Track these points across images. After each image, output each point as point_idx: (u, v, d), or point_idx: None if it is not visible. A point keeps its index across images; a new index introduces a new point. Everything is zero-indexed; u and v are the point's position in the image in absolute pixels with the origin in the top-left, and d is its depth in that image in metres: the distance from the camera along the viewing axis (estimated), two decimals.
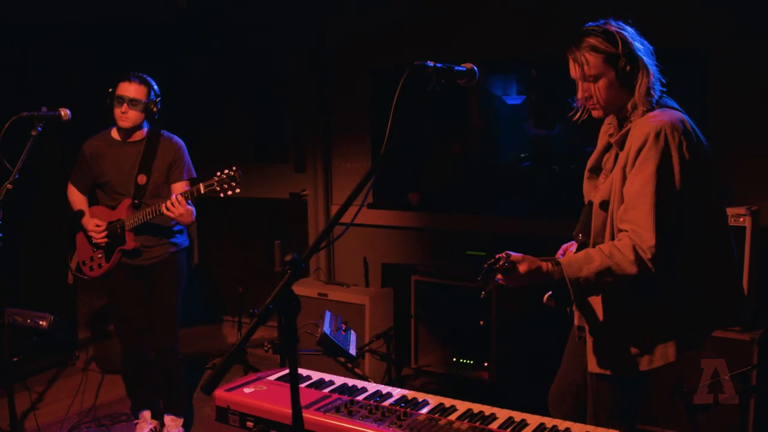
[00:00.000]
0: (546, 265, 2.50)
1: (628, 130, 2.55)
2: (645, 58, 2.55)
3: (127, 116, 4.03)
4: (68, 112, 3.60)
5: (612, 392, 2.72)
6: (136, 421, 4.54)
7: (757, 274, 4.04)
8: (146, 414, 4.51)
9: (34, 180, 5.47)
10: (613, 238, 2.56)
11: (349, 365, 4.77)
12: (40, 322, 3.46)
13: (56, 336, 3.46)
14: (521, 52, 5.25)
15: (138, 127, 4.15)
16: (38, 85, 5.57)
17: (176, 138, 4.28)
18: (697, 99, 4.72)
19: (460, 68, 2.37)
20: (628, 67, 2.52)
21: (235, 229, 6.86)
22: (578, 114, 2.77)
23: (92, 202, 4.35)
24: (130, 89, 4.01)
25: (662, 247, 2.39)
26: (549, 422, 2.36)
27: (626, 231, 2.45)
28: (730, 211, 4.02)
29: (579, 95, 2.66)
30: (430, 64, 2.28)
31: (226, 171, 3.77)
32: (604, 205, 2.59)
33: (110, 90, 4.05)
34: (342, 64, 6.15)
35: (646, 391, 2.85)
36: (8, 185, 3.28)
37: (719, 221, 2.63)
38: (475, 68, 2.40)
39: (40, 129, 3.47)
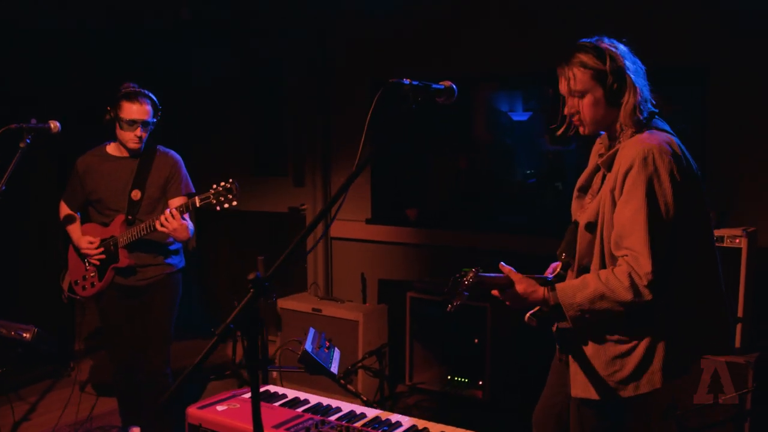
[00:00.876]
0: (543, 291, 2.50)
1: (616, 152, 2.51)
2: (634, 76, 2.50)
3: (142, 139, 3.99)
4: (57, 124, 3.59)
5: (595, 417, 2.67)
6: None
7: (752, 296, 3.98)
8: (135, 431, 4.42)
9: (25, 190, 5.52)
10: (602, 260, 2.52)
11: (342, 381, 4.72)
12: (24, 335, 3.44)
13: (40, 348, 3.44)
14: (529, 67, 5.22)
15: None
16: (38, 94, 5.59)
17: (173, 153, 4.20)
18: (696, 118, 4.69)
19: (438, 86, 2.34)
20: (615, 85, 2.48)
21: (233, 242, 6.85)
22: (562, 129, 2.71)
23: (84, 220, 4.27)
24: (142, 112, 3.93)
25: (659, 273, 2.36)
26: None
27: (626, 257, 2.41)
28: (726, 232, 4.00)
29: (566, 110, 2.62)
30: (406, 81, 2.26)
31: (223, 183, 3.68)
32: (590, 226, 2.55)
33: (109, 108, 3.95)
34: (343, 76, 6.14)
35: (637, 415, 2.81)
36: None
37: (708, 245, 2.58)
38: (454, 86, 2.37)
39: (29, 141, 3.46)
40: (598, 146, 2.80)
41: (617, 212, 2.44)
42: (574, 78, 2.51)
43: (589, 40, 2.56)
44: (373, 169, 6.10)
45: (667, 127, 2.59)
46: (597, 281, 2.40)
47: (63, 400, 5.11)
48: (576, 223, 2.67)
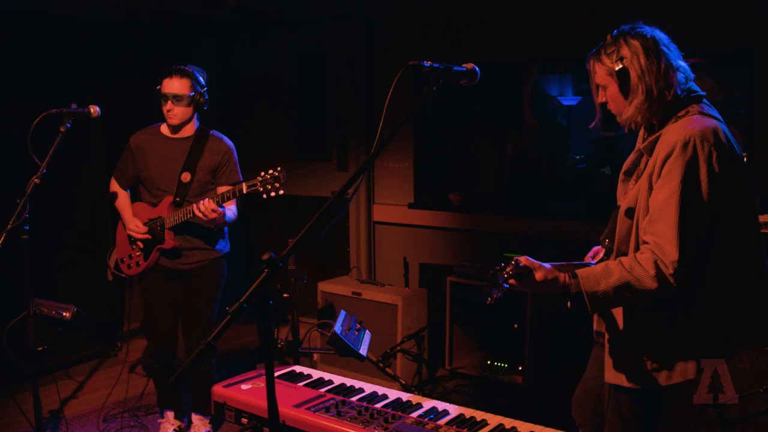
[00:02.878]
0: (564, 277, 2.45)
1: (659, 137, 2.47)
2: (646, 74, 2.46)
3: (173, 113, 4.00)
4: (97, 109, 3.65)
5: (629, 404, 2.64)
6: (160, 420, 4.54)
7: None
8: (169, 414, 4.49)
9: (75, 170, 5.65)
10: (637, 247, 2.48)
11: (381, 365, 4.75)
12: (64, 314, 3.54)
13: (79, 327, 3.54)
14: (578, 50, 5.13)
15: (187, 122, 4.10)
16: (88, 84, 5.69)
17: (226, 139, 4.20)
18: (744, 102, 4.58)
19: (460, 68, 2.33)
20: (623, 84, 2.49)
21: (276, 226, 6.90)
22: (595, 121, 2.72)
23: (134, 198, 4.31)
24: (173, 85, 3.96)
25: (685, 262, 2.31)
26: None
27: (648, 243, 2.37)
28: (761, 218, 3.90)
29: (598, 99, 2.63)
30: (427, 63, 2.26)
31: (270, 171, 3.67)
32: (630, 212, 2.51)
33: (157, 87, 4.02)
34: (387, 61, 6.13)
35: (674, 404, 2.75)
36: (36, 180, 3.35)
37: (751, 233, 2.50)
38: (477, 68, 2.35)
39: (68, 126, 3.53)
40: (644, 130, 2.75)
41: (652, 196, 2.40)
42: (594, 73, 2.57)
43: (621, 29, 2.54)
44: (416, 154, 6.09)
45: (715, 113, 2.53)
46: (621, 269, 2.35)
47: (109, 379, 5.26)
48: (618, 208, 2.64)
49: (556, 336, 4.99)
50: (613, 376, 2.60)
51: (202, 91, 4.06)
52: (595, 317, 2.75)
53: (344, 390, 2.57)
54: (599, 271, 2.38)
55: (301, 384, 2.63)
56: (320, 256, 6.61)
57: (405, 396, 2.52)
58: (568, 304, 2.72)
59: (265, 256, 1.90)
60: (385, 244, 6.30)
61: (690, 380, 2.49)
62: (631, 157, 2.72)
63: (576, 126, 6.23)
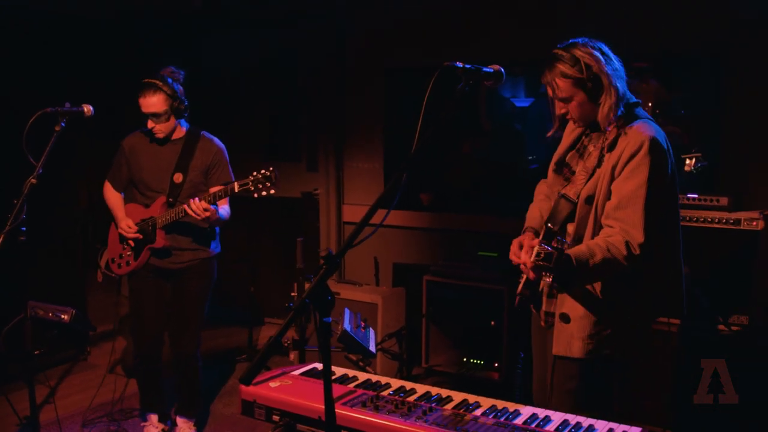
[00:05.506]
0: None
1: (618, 135, 2.74)
2: (612, 77, 2.71)
3: (157, 129, 4.01)
4: (91, 108, 3.60)
5: (577, 375, 2.83)
6: (143, 424, 4.51)
7: None
8: (153, 417, 4.46)
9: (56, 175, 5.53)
10: (594, 230, 2.76)
11: (361, 363, 4.79)
12: (62, 316, 3.48)
13: (78, 329, 3.49)
14: (532, 53, 5.27)
15: (174, 130, 4.11)
16: (58, 83, 5.59)
17: (217, 140, 4.23)
18: (712, 102, 4.76)
19: (488, 69, 2.42)
20: (596, 90, 2.72)
21: (245, 226, 6.85)
22: (554, 129, 3.00)
23: (128, 200, 4.29)
24: (148, 104, 3.95)
25: (649, 244, 2.62)
26: (572, 419, 2.39)
27: (613, 228, 2.66)
28: (743, 215, 4.12)
29: (557, 111, 2.87)
30: (460, 65, 2.32)
31: (263, 171, 3.70)
32: (590, 199, 2.77)
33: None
34: (357, 64, 6.18)
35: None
36: (32, 180, 3.29)
37: (676, 225, 2.85)
38: (503, 70, 2.45)
39: (63, 125, 3.47)
40: (573, 126, 3.01)
41: (617, 185, 2.69)
42: (558, 87, 2.76)
43: (565, 47, 2.76)
44: (386, 154, 6.15)
45: (648, 116, 2.84)
46: (601, 249, 2.60)
47: (80, 384, 5.16)
48: (562, 196, 2.89)
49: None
50: (562, 348, 2.81)
51: (179, 99, 4.03)
52: (545, 300, 2.95)
53: (372, 385, 2.61)
54: (585, 251, 2.60)
55: None
56: (287, 258, 6.59)
57: (434, 390, 2.58)
58: (519, 288, 2.88)
59: (324, 252, 1.93)
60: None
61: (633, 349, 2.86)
62: (561, 151, 3.03)
63: (528, 127, 6.37)
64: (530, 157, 6.38)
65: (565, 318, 2.81)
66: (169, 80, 4.02)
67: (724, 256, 4.17)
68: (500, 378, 5.04)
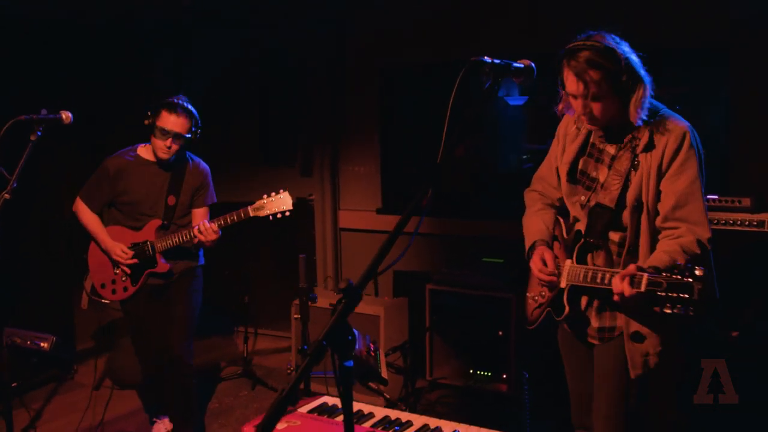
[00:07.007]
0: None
1: (651, 133, 2.60)
2: (642, 71, 2.56)
3: (172, 150, 3.96)
4: (69, 114, 3.33)
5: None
6: (155, 419, 4.50)
7: None
8: (165, 420, 4.45)
9: (31, 188, 5.27)
10: (652, 235, 2.62)
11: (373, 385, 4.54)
12: (42, 344, 3.22)
13: (59, 357, 3.22)
14: (528, 52, 5.11)
15: (176, 155, 4.08)
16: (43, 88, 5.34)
17: (203, 163, 4.24)
18: (721, 101, 4.61)
19: (518, 65, 2.16)
20: (630, 83, 2.54)
21: (238, 231, 6.59)
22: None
23: (107, 222, 4.19)
24: (177, 124, 3.91)
25: (714, 238, 2.57)
26: None
27: (679, 228, 2.56)
28: (756, 217, 3.92)
29: (577, 110, 2.64)
30: (488, 59, 2.06)
31: (273, 194, 3.90)
32: (639, 204, 2.64)
33: (149, 113, 3.93)
34: (352, 67, 6.00)
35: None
36: (6, 195, 3.02)
37: None
38: (533, 65, 2.19)
39: (39, 134, 3.20)
40: (569, 127, 2.89)
41: (668, 184, 2.58)
42: (591, 81, 2.52)
43: (587, 36, 2.56)
44: (383, 157, 5.93)
45: (661, 104, 2.72)
46: (681, 254, 2.49)
47: (68, 405, 4.90)
48: (598, 204, 2.72)
49: (543, 342, 4.84)
50: (640, 366, 2.68)
51: (198, 131, 4.04)
52: (594, 316, 2.81)
53: (392, 423, 2.35)
54: (667, 260, 2.47)
55: (340, 419, 2.39)
56: (282, 267, 6.35)
57: (462, 428, 2.32)
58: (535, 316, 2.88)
59: (343, 285, 1.67)
60: (352, 252, 6.09)
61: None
62: (569, 159, 2.84)
63: (522, 127, 6.16)
64: (524, 157, 6.17)
65: (639, 337, 2.67)
66: (194, 110, 4.01)
67: (748, 258, 3.99)
68: (508, 391, 4.79)
